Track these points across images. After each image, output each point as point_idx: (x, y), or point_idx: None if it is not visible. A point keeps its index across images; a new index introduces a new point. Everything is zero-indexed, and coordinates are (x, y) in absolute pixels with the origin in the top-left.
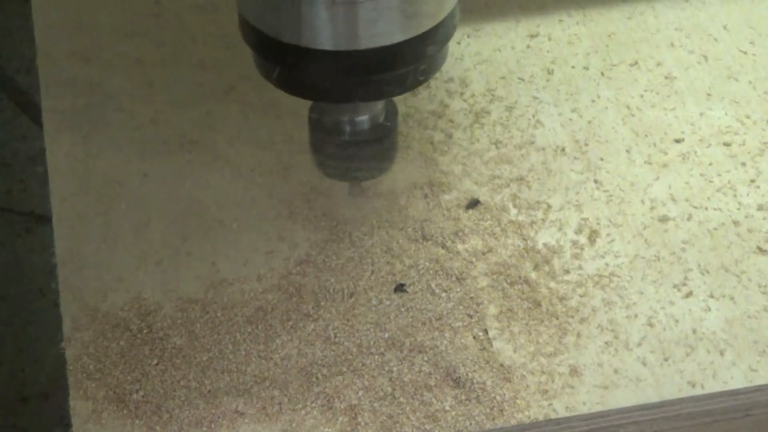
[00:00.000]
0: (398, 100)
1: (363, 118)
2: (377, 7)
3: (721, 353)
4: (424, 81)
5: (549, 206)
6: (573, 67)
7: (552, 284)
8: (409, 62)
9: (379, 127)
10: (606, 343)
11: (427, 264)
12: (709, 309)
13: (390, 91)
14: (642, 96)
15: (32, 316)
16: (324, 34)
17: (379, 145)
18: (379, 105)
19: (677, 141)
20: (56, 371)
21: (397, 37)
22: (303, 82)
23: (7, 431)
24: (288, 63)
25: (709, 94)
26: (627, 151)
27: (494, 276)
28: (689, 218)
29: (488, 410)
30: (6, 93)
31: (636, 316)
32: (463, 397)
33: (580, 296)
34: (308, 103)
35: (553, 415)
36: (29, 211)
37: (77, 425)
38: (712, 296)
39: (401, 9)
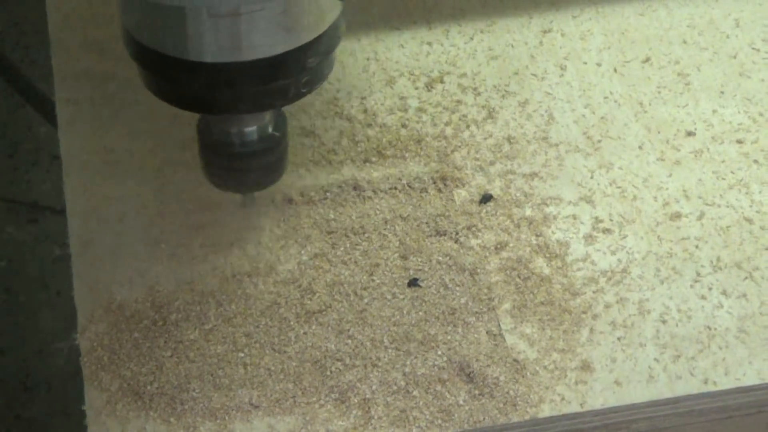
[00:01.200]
0: (413, 94)
1: (251, 129)
2: (255, 20)
3: (734, 350)
4: (308, 92)
5: (562, 202)
6: (586, 63)
7: (565, 280)
8: (290, 74)
9: (268, 138)
10: (618, 338)
11: (440, 259)
12: (722, 306)
13: (271, 103)
14: (655, 93)
15: (36, 306)
16: (203, 46)
17: (269, 156)
18: (267, 115)
19: (690, 138)
20: (60, 361)
21: (277, 49)
22: (184, 94)
23: (10, 421)
24: (169, 75)
25: (721, 92)
26: (640, 147)
27: (507, 271)
28: (702, 215)
29: (501, 405)
30: (10, 83)
31: (649, 312)
32: (476, 392)
33: (593, 292)
34: None
35: (565, 410)
36: (33, 202)
37: (92, 417)
38: (724, 293)
39: (280, 21)
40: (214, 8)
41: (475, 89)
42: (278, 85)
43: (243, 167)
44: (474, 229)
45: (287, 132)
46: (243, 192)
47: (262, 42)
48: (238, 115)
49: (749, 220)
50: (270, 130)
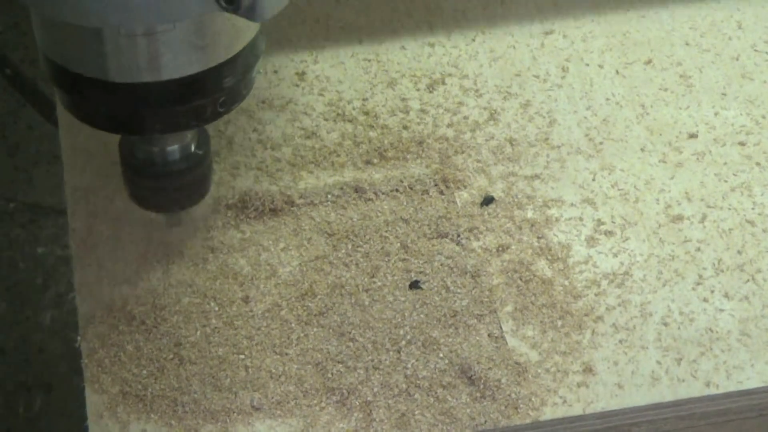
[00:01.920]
0: (414, 96)
1: (173, 148)
2: (168, 39)
3: (736, 353)
4: (226, 112)
5: (564, 204)
6: (587, 65)
7: (566, 282)
8: (205, 94)
9: (190, 156)
10: (620, 341)
11: (441, 261)
12: (724, 309)
13: (187, 123)
14: (656, 94)
15: (37, 306)
16: (116, 66)
17: (193, 174)
18: (189, 134)
19: (692, 140)
20: (61, 363)
21: (192, 69)
22: (100, 115)
23: (10, 421)
24: (85, 96)
25: (723, 94)
26: (641, 149)
27: (509, 273)
28: (704, 218)
29: (503, 407)
30: (11, 83)
31: (650, 314)
32: (478, 395)
33: (595, 294)
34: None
35: (567, 413)
36: (34, 202)
37: (93, 419)
38: (726, 296)
39: (193, 41)
40: (126, 28)
41: (476, 91)
42: (194, 105)
43: (166, 187)
44: (476, 231)
45: (210, 150)
46: (168, 212)
47: (176, 62)
48: (157, 135)
49: (751, 223)
50: (192, 148)
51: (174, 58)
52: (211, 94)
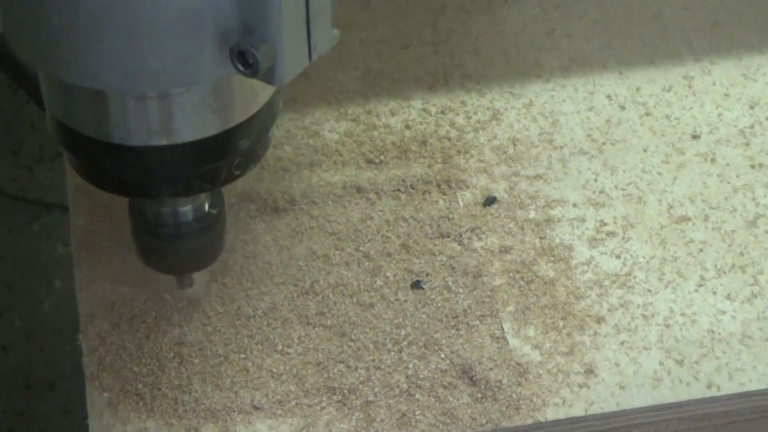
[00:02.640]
0: (417, 95)
1: (185, 209)
2: (182, 102)
3: (738, 354)
4: (242, 174)
5: (566, 204)
6: (590, 64)
7: (569, 283)
8: (220, 157)
9: (204, 217)
10: (622, 342)
11: (443, 261)
12: (726, 310)
13: (201, 186)
14: (659, 95)
15: (39, 304)
16: (127, 129)
17: (206, 235)
18: (202, 194)
19: (695, 141)
20: (63, 360)
21: (206, 132)
22: (110, 178)
23: (12, 418)
24: (94, 158)
25: (726, 94)
26: (644, 150)
27: (511, 274)
28: (706, 219)
29: (504, 408)
30: (14, 80)
31: (653, 315)
32: (479, 395)
33: (597, 295)
34: None
35: (568, 414)
36: (37, 199)
37: (93, 417)
38: (729, 297)
39: (208, 103)
40: (138, 90)
41: (479, 90)
42: (208, 168)
43: (178, 249)
44: (478, 231)
45: (224, 207)
46: (180, 274)
47: (190, 125)
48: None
49: (754, 224)
50: (206, 208)
51: (187, 121)
52: (226, 156)
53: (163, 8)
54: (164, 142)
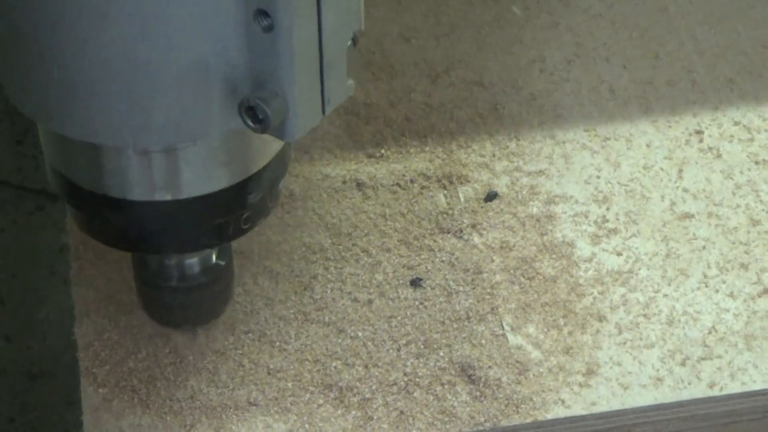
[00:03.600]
0: (418, 88)
1: (192, 261)
2: (188, 157)
3: (740, 353)
4: (251, 228)
5: (568, 200)
6: (594, 59)
7: (570, 280)
8: (228, 212)
9: (211, 269)
10: (624, 340)
11: (443, 257)
12: (729, 308)
13: (208, 242)
14: (663, 90)
15: (42, 294)
16: (131, 183)
17: (214, 288)
18: None
19: (698, 136)
20: (65, 351)
21: (214, 186)
22: (113, 233)
23: (14, 408)
24: (97, 213)
25: (731, 89)
26: (647, 145)
27: (512, 270)
28: (709, 215)
29: (503, 407)
30: None
31: (655, 314)
32: (478, 393)
33: (599, 293)
34: None
35: (569, 413)
36: (41, 189)
37: (88, 413)
38: (731, 295)
39: (216, 157)
40: (141, 146)
41: (481, 84)
42: (216, 223)
43: (184, 303)
44: (479, 227)
45: (232, 258)
46: (185, 328)
47: (196, 179)
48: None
49: (757, 221)
50: (213, 259)
51: (194, 176)
52: (234, 211)
53: (167, 60)
54: (169, 197)
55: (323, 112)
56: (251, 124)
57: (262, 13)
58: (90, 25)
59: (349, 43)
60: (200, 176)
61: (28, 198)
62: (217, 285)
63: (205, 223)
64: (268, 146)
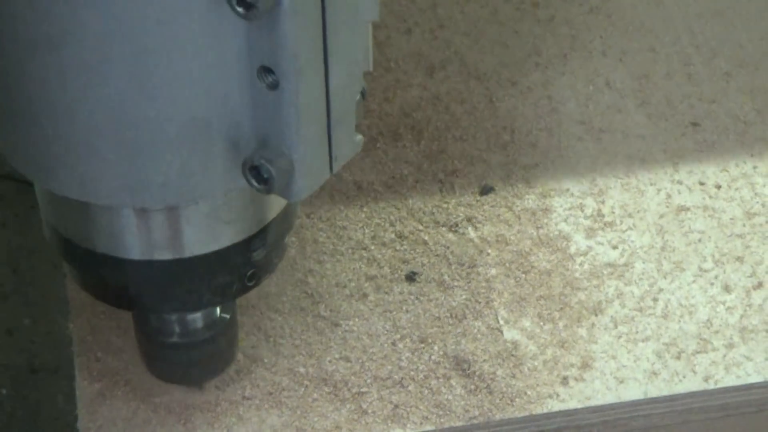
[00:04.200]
0: (413, 81)
1: (195, 316)
2: (190, 216)
3: (735, 347)
4: (255, 286)
5: (564, 193)
6: (590, 52)
7: (566, 273)
8: (231, 270)
9: (214, 323)
10: (619, 334)
11: (438, 251)
12: (725, 301)
13: (212, 300)
14: (659, 82)
15: (45, 288)
16: (131, 242)
17: (217, 343)
18: None
19: (694, 129)
20: (67, 345)
21: (215, 245)
22: (113, 292)
23: (16, 402)
24: (96, 272)
25: (727, 82)
26: (643, 138)
27: (507, 264)
28: (705, 208)
29: (498, 400)
30: None
31: (650, 307)
32: (473, 387)
33: (594, 286)
34: None
35: (563, 407)
36: None
37: (83, 407)
38: (727, 288)
39: (219, 215)
40: (139, 205)
41: (477, 77)
42: (219, 282)
43: (187, 359)
44: (474, 220)
45: (237, 311)
46: (189, 385)
47: (198, 238)
48: None
49: (753, 214)
50: (217, 313)
51: (196, 234)
52: (238, 270)
53: (168, 117)
54: (171, 256)
55: (330, 170)
56: (255, 184)
57: (267, 70)
58: (85, 82)
59: (358, 97)
60: (202, 235)
61: (31, 192)
62: (222, 340)
63: (209, 282)
64: (274, 202)
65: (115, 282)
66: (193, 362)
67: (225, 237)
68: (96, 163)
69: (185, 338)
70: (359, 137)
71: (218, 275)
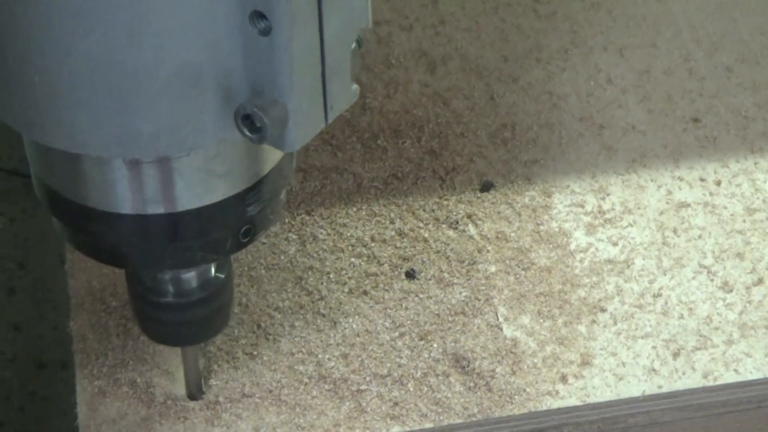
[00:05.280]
0: (414, 78)
1: (188, 275)
2: (182, 168)
3: (735, 343)
4: (251, 242)
5: (564, 190)
6: (591, 47)
7: (565, 270)
8: (225, 225)
9: (210, 283)
10: (618, 331)
11: (438, 248)
12: (724, 298)
13: (205, 257)
14: (660, 78)
15: (52, 282)
16: (122, 196)
17: (212, 304)
18: None
19: (695, 124)
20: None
21: (208, 199)
22: (100, 247)
23: (24, 397)
24: (86, 227)
25: (728, 78)
26: (644, 134)
27: (507, 261)
28: (705, 204)
29: (497, 398)
30: None
31: (649, 304)
32: (472, 384)
33: (594, 283)
34: None
35: (563, 404)
36: None
37: (83, 404)
38: (726, 285)
39: (211, 168)
40: (130, 157)
41: (478, 73)
42: (212, 238)
43: (181, 320)
44: (474, 217)
45: (232, 271)
46: (182, 346)
47: (191, 191)
48: None
49: (753, 210)
50: (212, 272)
51: (189, 188)
52: (232, 224)
53: (156, 65)
54: (163, 210)
55: (326, 120)
56: (248, 133)
57: (259, 15)
58: (73, 27)
59: (354, 45)
60: (195, 189)
61: None
62: (216, 301)
63: (201, 238)
64: (268, 155)
65: (107, 238)
66: (187, 324)
67: (218, 191)
68: (84, 113)
69: (179, 298)
70: (355, 87)
71: (212, 230)
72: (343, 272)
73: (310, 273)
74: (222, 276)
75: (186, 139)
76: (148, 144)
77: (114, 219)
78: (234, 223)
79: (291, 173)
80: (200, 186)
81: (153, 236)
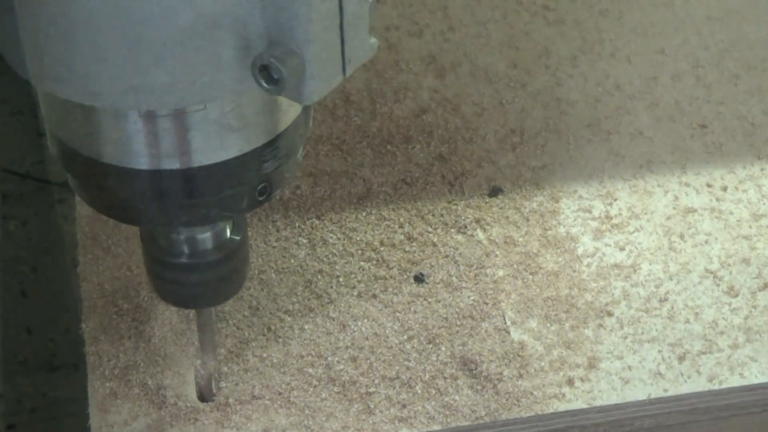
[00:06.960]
0: (423, 83)
1: (204, 236)
2: (198, 122)
3: (740, 347)
4: (268, 200)
5: (572, 195)
6: (599, 53)
7: (573, 275)
8: (241, 182)
9: (225, 245)
10: (625, 335)
11: (447, 252)
12: (730, 303)
13: (220, 215)
14: (668, 84)
15: (64, 285)
16: (135, 150)
17: (227, 266)
18: None
19: (702, 130)
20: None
21: (225, 155)
22: (115, 203)
23: (36, 399)
24: (99, 183)
25: (735, 85)
26: (651, 140)
27: (515, 265)
28: (712, 210)
29: (504, 401)
30: None
31: (656, 308)
32: (480, 387)
33: (601, 287)
34: None
35: (570, 407)
36: (63, 182)
37: (94, 406)
38: (732, 289)
39: (227, 123)
40: (145, 108)
41: (487, 79)
42: (228, 194)
43: (196, 281)
44: (482, 222)
45: (247, 233)
46: (197, 308)
47: (207, 146)
48: None
49: (760, 216)
50: (228, 234)
51: (204, 142)
52: (248, 181)
53: (173, 14)
54: (177, 165)
55: (344, 72)
56: (265, 84)
57: None
58: None
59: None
60: (211, 143)
61: (49, 190)
62: (232, 262)
63: (217, 194)
64: (285, 111)
65: (122, 194)
66: (202, 286)
67: (235, 146)
68: (99, 64)
69: (194, 259)
70: (373, 40)
71: (227, 187)
72: (353, 276)
73: (319, 276)
74: (237, 238)
75: (202, 91)
76: (164, 95)
77: (129, 174)
78: (250, 180)
79: (307, 131)
80: (216, 141)
81: (168, 192)
